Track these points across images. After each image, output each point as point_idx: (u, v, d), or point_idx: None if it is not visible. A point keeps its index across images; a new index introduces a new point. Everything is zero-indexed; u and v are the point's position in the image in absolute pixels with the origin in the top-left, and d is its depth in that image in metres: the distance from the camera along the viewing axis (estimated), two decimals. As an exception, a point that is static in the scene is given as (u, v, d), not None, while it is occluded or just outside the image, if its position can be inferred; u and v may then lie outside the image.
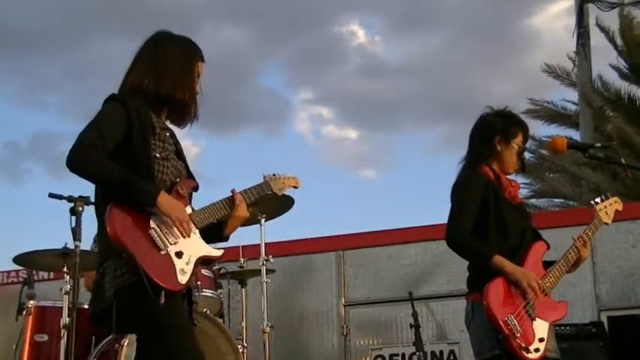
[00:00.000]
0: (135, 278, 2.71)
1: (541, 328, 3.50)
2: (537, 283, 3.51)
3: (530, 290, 3.48)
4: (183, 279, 2.80)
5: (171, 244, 2.82)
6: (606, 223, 3.87)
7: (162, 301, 2.71)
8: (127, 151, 2.87)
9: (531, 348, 3.41)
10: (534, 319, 3.48)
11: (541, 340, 3.47)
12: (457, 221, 3.60)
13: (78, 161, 2.78)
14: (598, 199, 3.90)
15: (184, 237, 2.86)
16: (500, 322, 3.37)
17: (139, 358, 2.90)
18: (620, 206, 3.94)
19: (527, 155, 15.05)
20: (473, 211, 3.60)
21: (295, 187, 3.44)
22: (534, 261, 3.65)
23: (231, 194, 3.10)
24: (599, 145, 3.81)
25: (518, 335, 3.38)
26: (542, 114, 15.73)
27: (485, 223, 3.59)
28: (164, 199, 2.82)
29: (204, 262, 2.98)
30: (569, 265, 3.70)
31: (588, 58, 15.25)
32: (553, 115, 15.73)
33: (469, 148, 3.85)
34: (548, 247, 3.74)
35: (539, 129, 15.82)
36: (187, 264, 2.83)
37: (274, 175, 3.33)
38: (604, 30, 15.02)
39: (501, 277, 3.48)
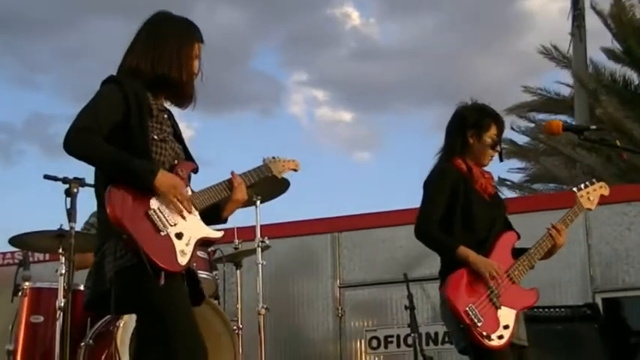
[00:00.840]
0: (135, 259, 2.70)
1: (506, 315, 3.52)
2: (497, 271, 3.52)
3: (490, 279, 3.50)
4: (183, 260, 2.79)
5: (171, 226, 2.81)
6: (589, 209, 3.90)
7: (162, 282, 2.71)
8: (124, 133, 2.85)
9: (494, 336, 3.43)
10: (499, 308, 3.50)
11: (506, 327, 3.49)
12: (425, 214, 3.66)
13: (74, 144, 2.78)
14: (582, 185, 3.93)
15: (186, 215, 2.86)
16: (462, 313, 3.42)
17: (139, 339, 2.91)
18: (605, 191, 3.95)
19: (523, 140, 15.10)
20: (442, 202, 3.64)
21: (295, 170, 3.44)
22: (502, 251, 3.66)
23: (230, 176, 3.08)
24: (594, 127, 3.83)
25: (480, 324, 3.41)
26: (534, 105, 15.68)
27: (451, 216, 3.64)
28: (163, 178, 2.81)
29: (203, 243, 2.98)
30: (542, 254, 3.71)
31: (583, 41, 15.21)
32: (547, 103, 15.68)
33: (444, 141, 3.87)
34: (519, 237, 3.76)
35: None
36: (187, 245, 2.83)
37: (274, 157, 3.33)
38: (599, 13, 14.97)
39: (465, 268, 3.52)
